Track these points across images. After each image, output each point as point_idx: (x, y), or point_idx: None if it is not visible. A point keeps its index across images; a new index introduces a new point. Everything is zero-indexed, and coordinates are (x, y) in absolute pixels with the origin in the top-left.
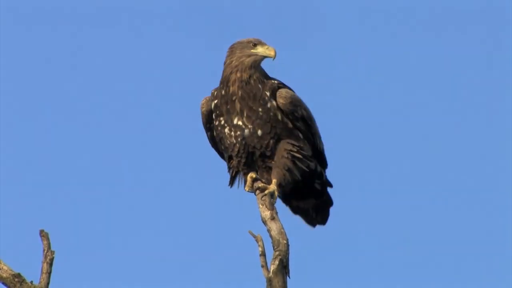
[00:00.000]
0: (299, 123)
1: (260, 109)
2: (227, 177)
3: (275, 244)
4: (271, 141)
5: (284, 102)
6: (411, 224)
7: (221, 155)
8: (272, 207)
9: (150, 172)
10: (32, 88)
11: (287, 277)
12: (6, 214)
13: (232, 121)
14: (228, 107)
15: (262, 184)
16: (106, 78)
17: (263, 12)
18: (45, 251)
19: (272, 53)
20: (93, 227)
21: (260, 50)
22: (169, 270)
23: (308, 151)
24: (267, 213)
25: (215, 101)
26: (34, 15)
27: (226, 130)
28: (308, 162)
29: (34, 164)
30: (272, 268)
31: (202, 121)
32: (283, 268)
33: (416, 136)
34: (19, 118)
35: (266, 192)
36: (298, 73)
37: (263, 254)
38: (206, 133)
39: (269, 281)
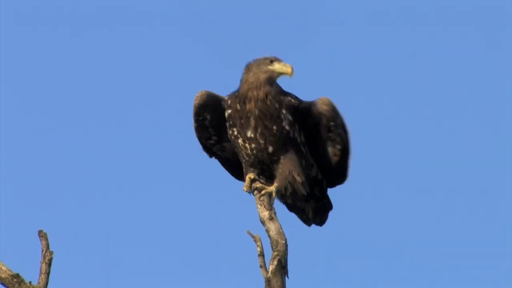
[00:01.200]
0: (339, 130)
1: (274, 127)
2: (227, 176)
3: (274, 244)
4: (281, 157)
5: (327, 108)
6: (410, 225)
7: (206, 149)
8: (270, 207)
9: (149, 172)
10: (32, 88)
11: (286, 277)
12: (5, 214)
13: (245, 134)
14: (242, 121)
15: (261, 185)
16: (106, 78)
17: (263, 12)
18: (44, 252)
19: (289, 70)
20: (92, 227)
21: (276, 66)
22: (169, 270)
23: (311, 170)
24: (265, 213)
25: (229, 111)
26: (34, 15)
27: (240, 141)
28: (306, 187)
29: (34, 164)
30: (270, 268)
31: (193, 112)
32: (282, 268)
33: (417, 137)
34: (19, 118)
35: (263, 192)
36: (299, 74)
37: (261, 254)
38: (194, 123)
39: (268, 281)
